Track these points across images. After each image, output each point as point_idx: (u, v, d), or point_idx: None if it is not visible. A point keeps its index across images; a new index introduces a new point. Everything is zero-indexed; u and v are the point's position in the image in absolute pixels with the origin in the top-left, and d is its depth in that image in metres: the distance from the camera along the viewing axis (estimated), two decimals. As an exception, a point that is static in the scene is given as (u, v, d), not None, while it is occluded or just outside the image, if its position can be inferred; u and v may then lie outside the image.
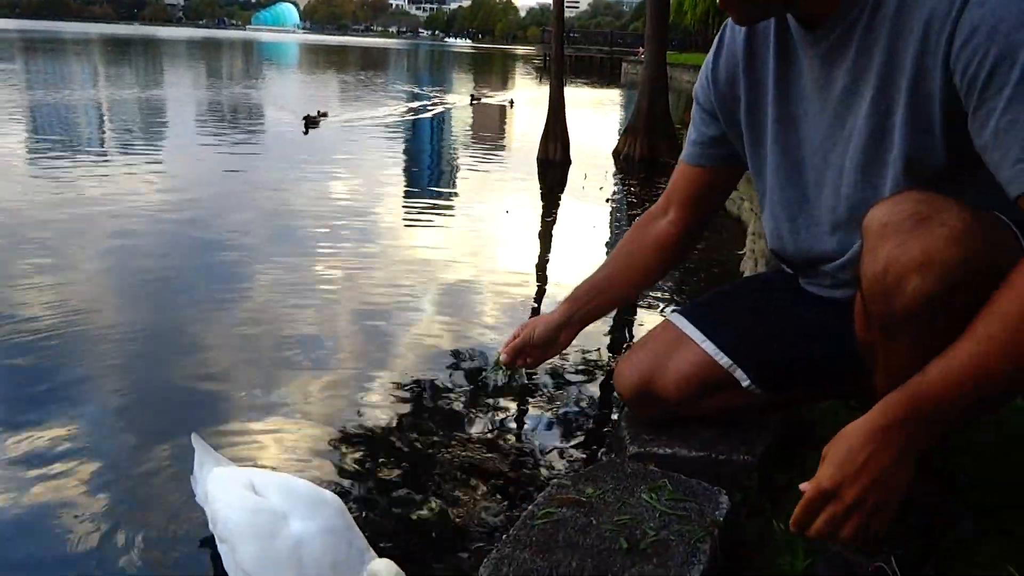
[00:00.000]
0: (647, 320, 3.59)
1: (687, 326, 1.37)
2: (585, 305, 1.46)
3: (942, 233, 0.87)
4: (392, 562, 1.34)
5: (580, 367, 2.93)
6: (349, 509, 1.69)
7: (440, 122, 12.81)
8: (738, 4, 1.07)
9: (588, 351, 3.07)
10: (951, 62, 0.93)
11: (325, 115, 11.22)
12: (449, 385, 2.81)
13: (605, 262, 1.51)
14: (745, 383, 1.33)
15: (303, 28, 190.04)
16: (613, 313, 3.59)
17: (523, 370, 1.61)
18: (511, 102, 16.78)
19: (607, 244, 5.40)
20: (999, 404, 1.05)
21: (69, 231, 4.92)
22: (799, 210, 1.21)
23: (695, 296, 3.87)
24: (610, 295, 1.48)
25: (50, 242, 4.62)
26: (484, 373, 2.48)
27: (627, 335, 3.41)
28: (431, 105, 15.28)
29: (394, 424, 2.46)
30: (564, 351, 1.57)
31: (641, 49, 19.54)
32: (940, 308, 0.88)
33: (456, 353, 3.13)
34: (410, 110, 14.09)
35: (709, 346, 1.34)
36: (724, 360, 1.33)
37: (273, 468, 2.07)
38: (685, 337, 1.36)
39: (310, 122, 10.51)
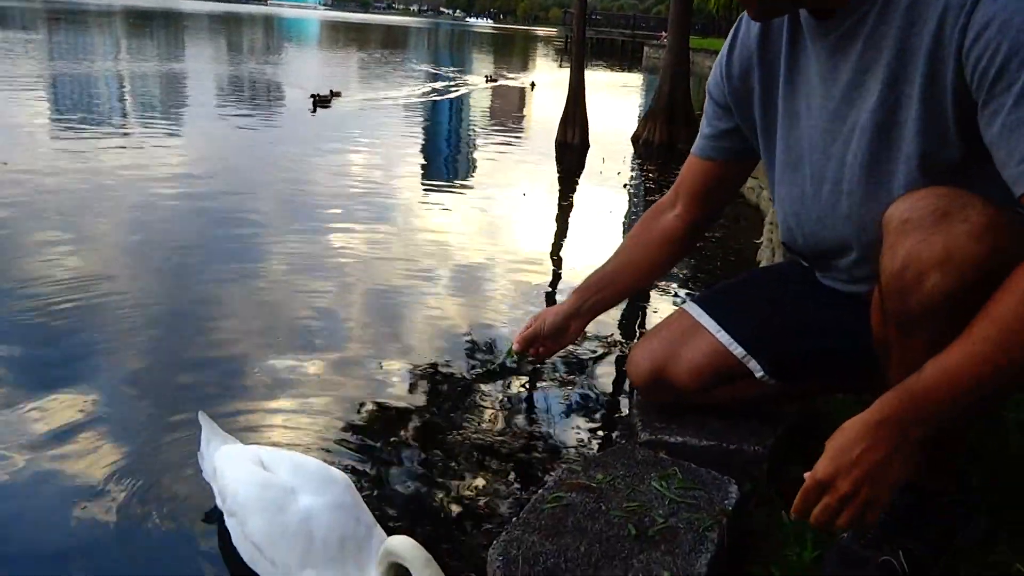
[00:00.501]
0: (661, 306, 3.59)
1: (702, 315, 1.37)
2: (594, 296, 1.47)
3: (964, 229, 0.86)
4: (408, 537, 1.35)
5: (593, 352, 2.93)
6: (359, 487, 1.71)
7: (459, 104, 12.70)
8: (754, 2, 1.07)
9: (602, 336, 3.07)
10: (963, 55, 0.92)
11: (338, 94, 11.01)
12: (462, 366, 2.82)
13: (614, 253, 1.52)
14: (759, 374, 1.33)
15: (325, 5, 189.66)
16: (627, 302, 3.60)
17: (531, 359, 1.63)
18: (532, 84, 16.67)
19: (623, 229, 5.38)
20: (996, 402, 1.05)
21: (88, 201, 4.97)
22: (801, 205, 1.21)
23: (710, 283, 3.90)
24: (618, 286, 1.49)
25: (69, 211, 4.67)
26: (497, 361, 2.49)
27: (641, 320, 3.41)
28: (451, 86, 15.12)
29: (405, 404, 2.47)
30: (576, 339, 1.58)
31: (664, 33, 19.36)
32: (959, 305, 0.87)
33: (470, 334, 3.14)
34: (428, 91, 13.95)
35: (724, 336, 1.34)
36: (738, 350, 1.32)
37: (282, 446, 2.08)
38: (700, 326, 1.36)
39: (319, 101, 10.33)
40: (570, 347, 2.87)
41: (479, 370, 2.77)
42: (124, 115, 8.90)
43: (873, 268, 0.99)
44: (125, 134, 7.57)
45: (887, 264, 0.93)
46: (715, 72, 1.31)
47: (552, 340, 1.50)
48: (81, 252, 3.88)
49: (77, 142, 6.86)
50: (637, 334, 3.20)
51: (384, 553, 1.39)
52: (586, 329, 1.54)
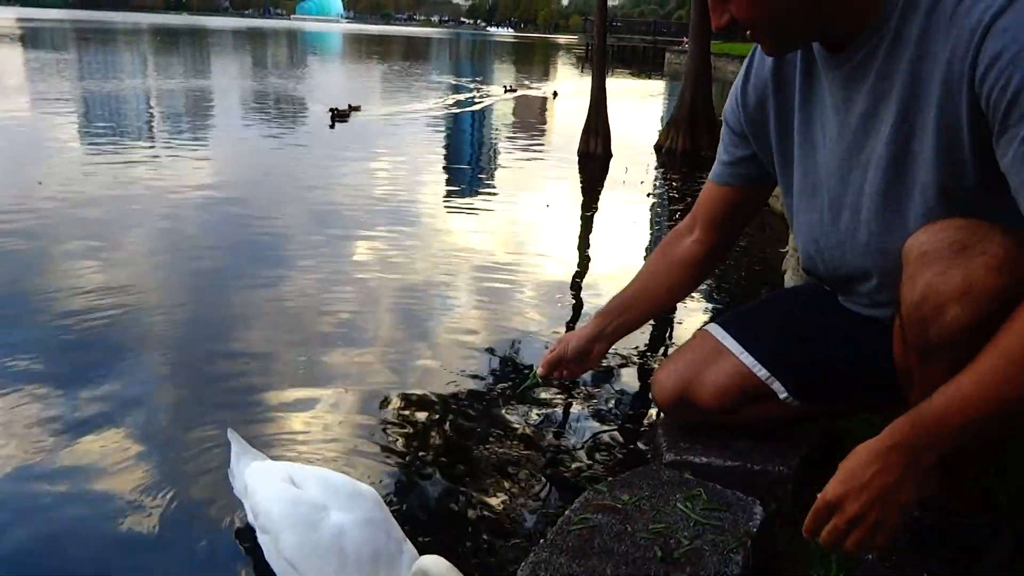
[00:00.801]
0: (687, 319, 3.58)
1: (726, 337, 1.39)
2: (616, 319, 1.51)
3: (982, 262, 0.88)
4: (441, 558, 1.38)
5: (619, 369, 2.93)
6: (386, 502, 1.74)
7: (480, 116, 12.69)
8: (768, 37, 1.09)
9: (627, 352, 3.08)
10: (976, 87, 0.94)
11: (357, 108, 11.01)
12: (486, 379, 2.84)
13: (634, 277, 1.56)
14: (783, 395, 1.34)
15: (346, 18, 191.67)
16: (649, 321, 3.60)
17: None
18: (554, 93, 16.70)
19: (648, 239, 5.39)
20: (1008, 428, 1.06)
21: (118, 212, 5.11)
22: (820, 232, 1.22)
23: (734, 295, 3.89)
24: (639, 310, 1.52)
25: (100, 222, 4.81)
26: (522, 385, 2.53)
27: (668, 334, 3.41)
28: (473, 98, 15.10)
29: (431, 417, 2.50)
30: (600, 362, 1.61)
31: (685, 39, 19.33)
32: (978, 335, 0.89)
33: (494, 347, 3.16)
34: (449, 103, 13.96)
35: (747, 358, 1.35)
36: (762, 372, 1.34)
37: (309, 461, 2.12)
38: (723, 348, 1.38)
39: (337, 116, 10.35)
40: (605, 366, 2.90)
41: (504, 382, 2.79)
42: (152, 131, 9.09)
43: (894, 294, 1.01)
44: (153, 149, 7.74)
45: (907, 295, 0.95)
46: (731, 100, 1.33)
47: (576, 363, 1.53)
48: (112, 264, 3.98)
49: (108, 158, 7.03)
50: (663, 349, 3.21)
51: (417, 572, 1.41)
52: (615, 352, 1.56)
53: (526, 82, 20.27)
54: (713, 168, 1.42)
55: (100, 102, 11.26)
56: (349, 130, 9.86)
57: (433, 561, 1.37)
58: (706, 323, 3.31)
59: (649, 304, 1.53)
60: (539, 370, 1.55)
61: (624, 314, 1.51)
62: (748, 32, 1.08)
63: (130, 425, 2.34)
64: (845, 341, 1.27)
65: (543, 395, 2.66)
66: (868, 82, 1.06)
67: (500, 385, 2.79)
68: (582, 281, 4.21)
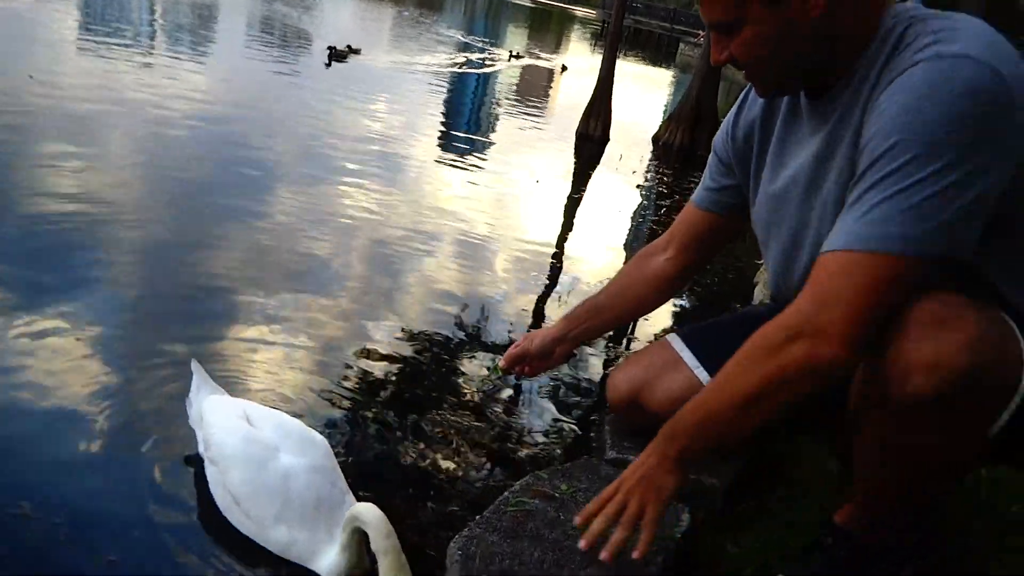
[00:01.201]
0: (653, 316, 3.63)
1: (684, 350, 1.45)
2: (581, 325, 1.57)
3: (956, 338, 0.93)
4: (375, 506, 1.44)
5: (580, 357, 2.98)
6: (336, 453, 1.79)
7: (484, 80, 12.54)
8: (762, 79, 1.16)
9: (592, 347, 3.13)
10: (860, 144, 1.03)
11: (357, 51, 10.83)
12: (451, 343, 2.87)
13: (605, 286, 1.61)
14: (728, 413, 1.40)
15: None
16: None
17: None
18: (563, 67, 16.55)
19: (628, 233, 5.43)
20: (741, 440, 1.19)
21: (106, 117, 5.03)
22: (784, 265, 1.28)
23: (704, 300, 3.96)
24: (604, 319, 1.59)
25: (85, 126, 4.73)
26: (483, 377, 2.57)
27: (631, 330, 3.46)
28: (482, 60, 14.80)
29: (391, 373, 2.53)
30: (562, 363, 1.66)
31: (702, 33, 19.21)
32: (935, 408, 0.96)
33: (464, 310, 3.19)
34: (457, 62, 13.64)
35: (702, 373, 1.41)
36: (713, 387, 1.40)
37: (264, 401, 2.14)
38: (680, 360, 1.44)
39: (335, 55, 10.15)
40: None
41: (466, 350, 2.82)
42: (152, 38, 8.91)
43: None
44: (150, 57, 7.59)
45: (880, 352, 1.01)
46: (722, 130, 1.39)
47: (539, 361, 1.59)
48: (91, 171, 3.92)
49: (103, 60, 6.89)
50: (626, 342, 3.26)
51: (350, 518, 1.47)
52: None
53: (536, 51, 20.04)
54: (696, 191, 1.48)
55: (104, 1, 10.98)
56: (347, 72, 9.71)
57: (367, 508, 1.43)
58: (668, 330, 3.39)
59: (616, 314, 1.58)
60: (501, 363, 1.61)
61: (590, 320, 1.57)
62: (744, 73, 1.14)
63: (89, 341, 2.32)
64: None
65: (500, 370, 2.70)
66: (829, 124, 1.12)
67: (462, 350, 2.83)
68: (559, 263, 4.24)
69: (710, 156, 1.44)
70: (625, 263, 1.61)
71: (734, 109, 1.36)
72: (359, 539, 1.49)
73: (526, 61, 16.56)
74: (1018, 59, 0.94)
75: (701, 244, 1.49)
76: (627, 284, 1.56)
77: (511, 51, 17.10)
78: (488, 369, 1.67)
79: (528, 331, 1.62)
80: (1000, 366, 0.96)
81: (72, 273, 2.76)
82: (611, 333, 3.20)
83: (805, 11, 1.03)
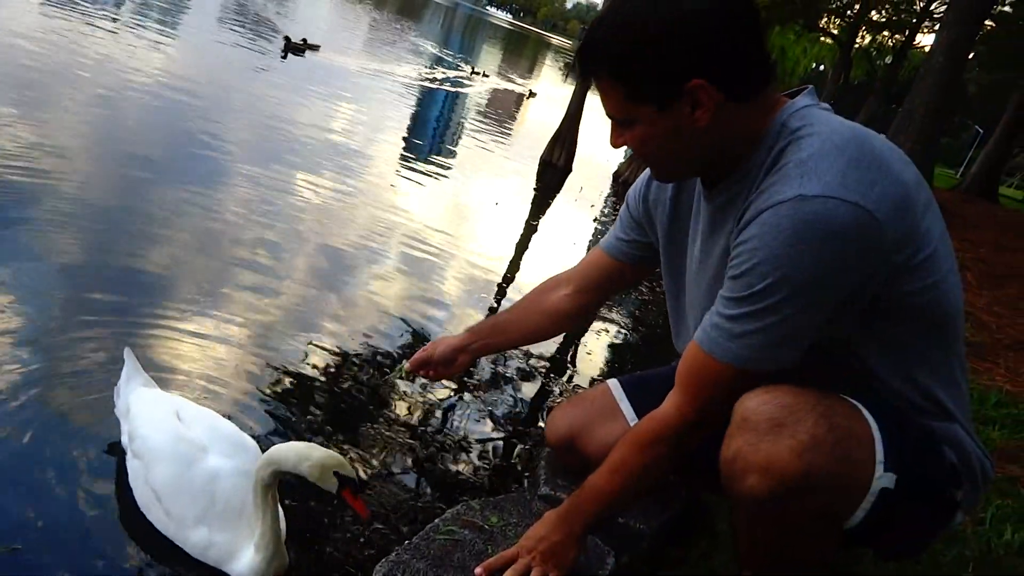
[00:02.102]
0: (596, 357, 3.66)
1: (623, 399, 1.48)
2: (483, 339, 1.64)
3: (788, 444, 1.02)
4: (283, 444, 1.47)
5: (523, 382, 2.99)
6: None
7: (453, 97, 12.44)
8: (656, 169, 1.27)
9: (536, 366, 3.14)
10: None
11: (315, 47, 10.61)
12: (390, 351, 2.84)
13: (510, 307, 1.70)
14: (662, 466, 1.44)
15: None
16: (563, 337, 3.68)
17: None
18: (531, 92, 16.68)
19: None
20: (630, 504, 1.38)
21: (61, 77, 4.88)
22: (677, 338, 1.38)
23: (647, 339, 4.00)
24: (505, 338, 1.68)
25: (38, 83, 4.57)
26: (388, 373, 2.57)
27: (572, 361, 3.48)
28: (452, 78, 14.52)
29: (328, 382, 2.49)
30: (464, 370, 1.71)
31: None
32: (773, 506, 1.05)
33: (405, 321, 3.17)
34: (427, 78, 13.37)
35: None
36: (646, 441, 1.43)
37: (194, 396, 2.09)
38: (618, 410, 1.47)
39: (291, 47, 9.95)
40: (507, 372, 2.96)
41: (401, 364, 2.80)
42: (118, 4, 8.70)
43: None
44: (114, 23, 7.41)
45: (724, 450, 1.10)
46: (637, 186, 1.46)
47: (443, 367, 1.65)
48: (37, 128, 3.79)
49: (64, 20, 6.69)
50: (568, 373, 3.28)
51: (269, 462, 1.45)
52: (530, 363, 1.63)
53: (508, 73, 20.16)
54: (606, 237, 1.56)
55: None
56: (302, 66, 9.59)
57: (274, 450, 1.45)
58: (608, 370, 3.42)
59: (514, 337, 1.68)
60: (407, 365, 1.66)
61: (491, 337, 1.65)
62: (652, 166, 1.24)
63: (16, 316, 2.23)
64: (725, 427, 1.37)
65: (440, 389, 2.69)
66: (728, 224, 1.17)
67: (398, 360, 2.79)
68: (507, 286, 4.26)
69: (622, 208, 1.51)
70: (531, 291, 1.70)
71: (648, 171, 1.42)
72: (273, 506, 1.49)
73: (494, 82, 16.44)
74: (877, 171, 1.02)
75: (601, 288, 1.58)
76: (527, 312, 1.64)
77: (474, 69, 16.90)
78: (395, 368, 1.71)
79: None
80: (840, 468, 1.03)
81: (3, 236, 2.64)
82: (550, 367, 3.23)
83: (692, 120, 1.09)
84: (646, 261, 1.51)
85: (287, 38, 10.06)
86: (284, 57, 9.57)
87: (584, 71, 1.14)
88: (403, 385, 2.62)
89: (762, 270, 1.02)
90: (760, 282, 1.02)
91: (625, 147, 1.21)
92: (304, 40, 10.44)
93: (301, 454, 1.41)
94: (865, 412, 1.08)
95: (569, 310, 1.60)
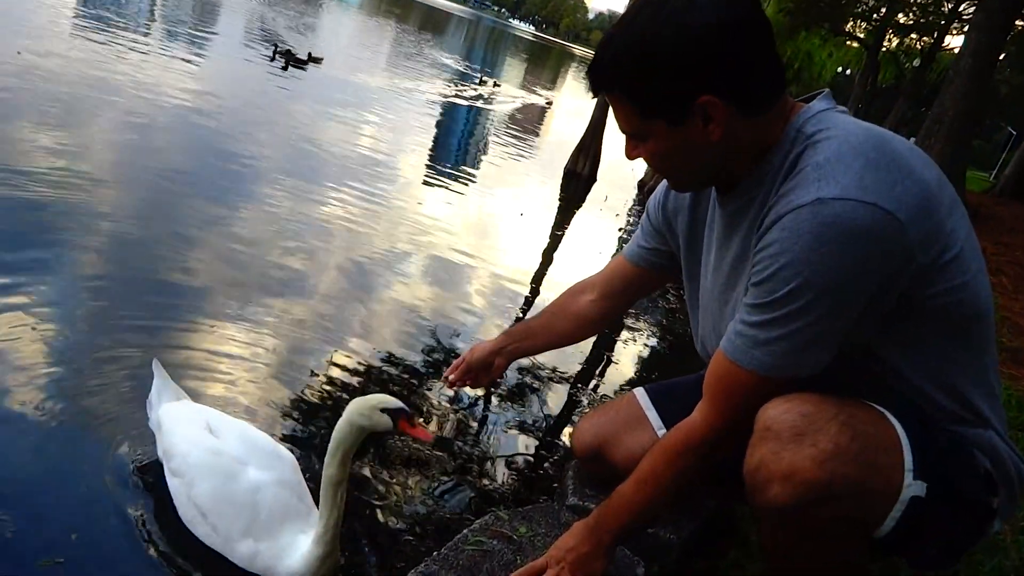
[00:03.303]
0: (623, 366, 3.65)
1: (650, 408, 1.48)
2: (515, 343, 1.67)
3: (810, 453, 1.01)
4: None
5: (550, 393, 2.99)
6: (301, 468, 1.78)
7: (476, 113, 12.05)
8: (671, 180, 1.27)
9: (564, 376, 3.14)
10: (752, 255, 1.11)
11: (318, 60, 10.45)
12: (418, 362, 2.87)
13: (540, 312, 1.73)
14: (688, 473, 1.43)
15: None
16: (590, 347, 3.67)
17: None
18: (548, 103, 16.33)
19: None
20: (659, 514, 1.36)
21: (93, 100, 4.98)
22: (705, 340, 1.36)
23: (675, 347, 3.98)
24: (535, 342, 1.70)
25: (71, 106, 4.68)
26: (440, 385, 2.59)
27: (599, 379, 3.47)
28: (475, 96, 13.73)
29: (357, 393, 2.50)
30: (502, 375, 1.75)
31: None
32: (796, 515, 1.04)
33: (434, 334, 3.19)
34: (448, 95, 12.75)
35: (664, 433, 1.43)
36: (672, 449, 1.43)
37: (227, 408, 2.11)
38: (645, 418, 1.47)
39: (291, 60, 9.75)
40: (535, 390, 2.96)
41: (435, 374, 2.81)
42: (148, 29, 8.89)
43: None
44: (146, 47, 7.56)
45: (747, 459, 1.09)
46: (656, 195, 1.47)
47: (482, 372, 1.66)
48: (70, 155, 3.87)
49: (96, 45, 6.85)
50: (593, 384, 3.28)
51: (359, 412, 1.50)
52: (557, 374, 1.63)
53: (535, 87, 20.12)
54: (629, 245, 1.56)
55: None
56: (318, 80, 9.62)
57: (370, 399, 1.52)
58: (636, 378, 3.41)
59: (544, 341, 1.70)
60: (450, 376, 1.67)
61: (524, 341, 1.67)
62: (669, 179, 1.25)
63: (49, 332, 2.28)
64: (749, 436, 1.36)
65: (467, 399, 2.71)
66: (743, 229, 1.18)
67: (430, 374, 2.82)
68: (534, 298, 4.27)
69: (643, 216, 1.52)
70: (560, 296, 1.72)
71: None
72: (342, 491, 1.53)
73: (512, 92, 15.98)
74: (897, 172, 1.01)
75: (624, 293, 1.59)
76: (555, 317, 1.67)
77: (482, 77, 16.33)
78: (443, 383, 1.75)
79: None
80: (865, 476, 1.02)
81: (36, 259, 2.70)
82: (576, 377, 3.22)
83: (705, 134, 1.09)
84: (667, 268, 1.51)
85: (285, 52, 9.91)
86: (285, 68, 9.46)
87: (595, 88, 1.14)
88: (431, 396, 2.64)
89: (784, 275, 1.02)
90: (782, 287, 1.02)
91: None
92: (310, 55, 10.37)
93: (351, 412, 1.49)
94: (891, 418, 1.06)
95: (594, 315, 1.62)
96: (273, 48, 9.89)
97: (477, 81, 15.37)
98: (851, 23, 23.22)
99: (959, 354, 1.10)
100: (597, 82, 1.14)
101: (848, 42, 26.15)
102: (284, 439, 2.08)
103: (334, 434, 1.50)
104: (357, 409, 1.48)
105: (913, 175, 1.01)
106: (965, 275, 1.06)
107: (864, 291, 1.02)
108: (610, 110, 1.22)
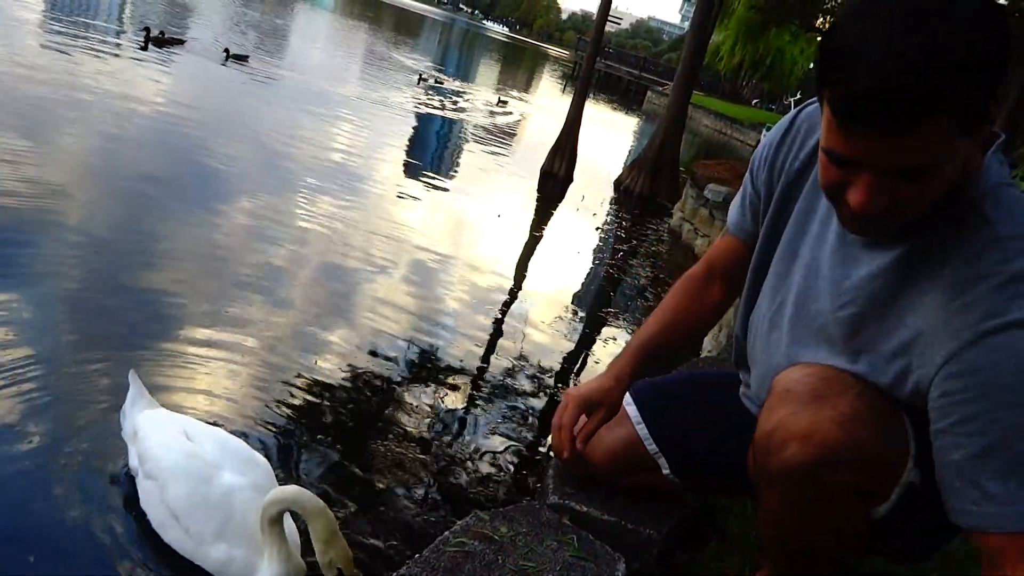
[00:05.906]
0: (602, 358, 3.68)
1: (630, 405, 1.47)
2: (641, 364, 1.42)
3: (830, 415, 0.99)
4: (297, 486, 1.52)
5: (529, 394, 3.00)
6: (275, 474, 1.78)
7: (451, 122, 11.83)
8: (879, 229, 1.00)
9: (542, 379, 3.15)
10: (937, 374, 0.95)
11: (243, 58, 10.02)
12: (397, 368, 2.86)
13: (657, 319, 1.45)
14: (666, 471, 1.43)
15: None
16: (572, 347, 3.69)
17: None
18: (500, 100, 15.27)
19: (585, 274, 5.49)
20: (672, 344, 1.43)
21: (64, 108, 4.92)
22: (755, 327, 1.25)
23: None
24: (669, 351, 1.47)
25: (41, 116, 4.62)
26: (417, 387, 2.58)
27: (578, 377, 3.50)
28: (446, 107, 12.56)
29: (335, 398, 2.51)
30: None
31: (668, 83, 19.68)
32: (809, 481, 1.00)
33: (411, 336, 3.18)
34: (416, 105, 11.63)
35: (643, 430, 1.44)
36: (652, 447, 1.43)
37: (203, 417, 2.10)
38: (625, 415, 1.46)
39: (153, 39, 9.00)
40: (516, 391, 2.96)
41: (415, 377, 2.81)
42: (119, 32, 8.78)
43: None
44: (116, 49, 7.47)
45: (762, 422, 1.06)
46: (761, 151, 1.26)
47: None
48: (41, 158, 3.84)
49: (65, 49, 6.77)
50: (575, 385, 3.30)
51: (275, 501, 1.49)
52: (538, 375, 1.61)
53: (511, 91, 20.11)
54: (731, 214, 1.37)
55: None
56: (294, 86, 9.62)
57: (292, 489, 1.51)
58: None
59: (681, 346, 1.49)
60: (578, 445, 1.37)
61: (659, 360, 1.45)
62: (870, 222, 0.95)
63: (21, 341, 2.26)
64: (733, 437, 1.36)
65: (448, 403, 2.71)
66: (888, 257, 1.02)
67: (409, 377, 2.82)
68: (513, 299, 4.28)
69: (746, 174, 1.31)
70: (672, 295, 1.46)
71: (779, 132, 1.23)
72: (280, 529, 1.53)
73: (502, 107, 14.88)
74: None
75: (741, 272, 1.34)
76: (684, 319, 1.44)
77: (421, 75, 15.26)
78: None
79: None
80: (878, 447, 1.00)
81: (5, 266, 2.67)
82: (557, 377, 3.24)
83: (962, 163, 0.91)
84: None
85: (147, 29, 9.10)
86: (144, 48, 8.65)
87: (909, 119, 0.81)
88: (410, 399, 2.64)
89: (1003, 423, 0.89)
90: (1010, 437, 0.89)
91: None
92: (162, 32, 9.36)
93: (318, 508, 1.48)
94: (899, 411, 1.02)
95: (728, 300, 1.44)
96: (145, 31, 9.07)
97: (419, 80, 14.44)
98: (821, 19, 23.46)
99: None
100: (919, 106, 0.81)
101: (819, 38, 26.40)
102: (258, 447, 2.07)
103: (278, 497, 1.53)
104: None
105: None
106: None
107: None
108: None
